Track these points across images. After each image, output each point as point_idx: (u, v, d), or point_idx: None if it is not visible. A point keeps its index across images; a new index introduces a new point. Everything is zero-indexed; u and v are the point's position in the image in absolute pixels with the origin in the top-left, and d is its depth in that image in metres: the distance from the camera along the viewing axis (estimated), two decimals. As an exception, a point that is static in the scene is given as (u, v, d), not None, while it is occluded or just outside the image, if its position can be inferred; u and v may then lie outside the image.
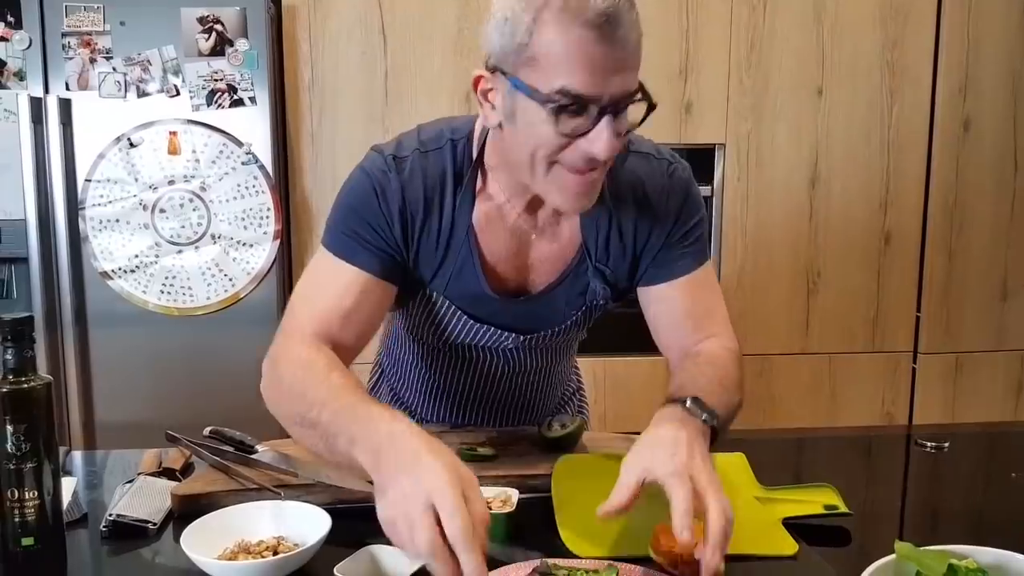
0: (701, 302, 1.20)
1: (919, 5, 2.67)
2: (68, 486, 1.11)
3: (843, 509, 1.09)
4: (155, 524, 1.02)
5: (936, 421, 2.80)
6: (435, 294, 1.15)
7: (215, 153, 2.37)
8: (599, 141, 0.93)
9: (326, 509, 0.99)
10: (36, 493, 0.87)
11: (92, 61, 2.31)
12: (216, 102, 2.36)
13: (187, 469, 1.20)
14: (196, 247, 2.38)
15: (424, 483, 0.80)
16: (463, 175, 1.09)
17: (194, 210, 2.37)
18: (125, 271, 2.37)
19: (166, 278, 2.38)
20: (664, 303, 1.19)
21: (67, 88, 2.30)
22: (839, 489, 1.13)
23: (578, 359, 1.56)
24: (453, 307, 1.15)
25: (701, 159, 2.68)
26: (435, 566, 0.77)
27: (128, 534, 1.01)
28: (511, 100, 0.96)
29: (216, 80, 2.36)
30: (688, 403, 1.00)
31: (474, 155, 1.10)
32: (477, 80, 1.00)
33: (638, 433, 1.35)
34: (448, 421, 1.40)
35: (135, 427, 2.38)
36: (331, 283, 1.08)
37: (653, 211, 1.14)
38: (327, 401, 0.94)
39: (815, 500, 1.11)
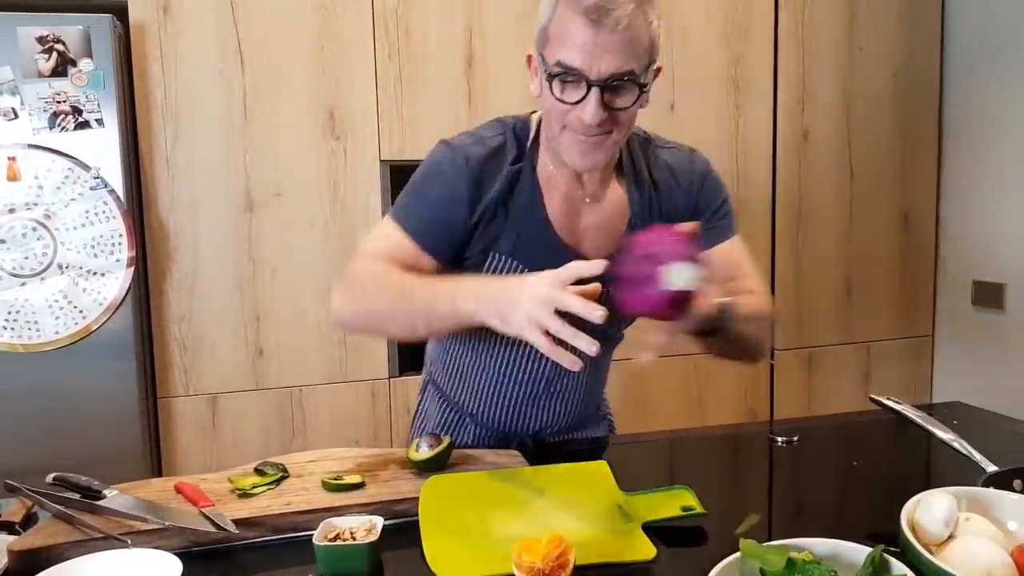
0: (737, 265, 1.36)
1: (758, 24, 2.84)
2: None
3: (699, 510, 1.14)
4: (-10, 585, 0.96)
5: (794, 413, 2.98)
6: (504, 256, 1.28)
7: (60, 179, 2.24)
8: (587, 109, 1.12)
9: (179, 553, 0.95)
10: None
11: (-86, 83, 2.14)
12: (60, 125, 2.24)
13: (28, 521, 1.13)
14: (42, 278, 2.24)
15: (545, 278, 1.05)
16: (523, 150, 1.28)
17: (38, 239, 2.23)
18: (-38, 307, 2.20)
19: (8, 313, 2.23)
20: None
21: None
22: (699, 489, 1.18)
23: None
24: (518, 265, 1.28)
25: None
26: (584, 310, 1.00)
27: (-40, 598, 0.95)
28: (539, 73, 1.18)
29: (59, 102, 2.23)
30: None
31: (531, 134, 1.29)
32: (529, 58, 1.22)
33: (509, 448, 1.38)
34: (501, 422, 1.42)
35: (-21, 475, 2.22)
36: (391, 241, 1.27)
37: (684, 192, 1.34)
38: (417, 286, 1.18)
39: (673, 503, 1.15)
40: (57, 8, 2.30)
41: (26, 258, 2.23)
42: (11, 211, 2.21)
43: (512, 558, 0.96)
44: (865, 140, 2.97)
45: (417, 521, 1.09)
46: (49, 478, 1.13)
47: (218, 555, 1.05)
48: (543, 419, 1.45)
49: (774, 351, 2.97)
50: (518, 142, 1.28)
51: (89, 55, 2.24)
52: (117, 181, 2.28)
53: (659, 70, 1.21)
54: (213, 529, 1.03)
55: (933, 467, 1.45)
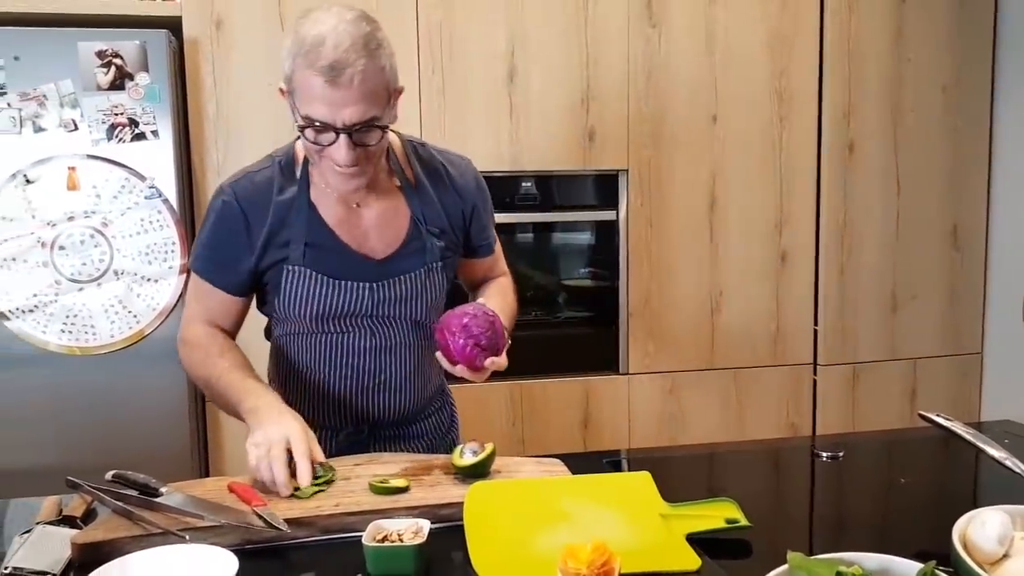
0: (496, 261, 1.65)
1: (803, 35, 2.82)
2: (-40, 541, 1.07)
3: (744, 522, 1.14)
4: (54, 575, 0.99)
5: (837, 430, 2.93)
6: (296, 268, 1.40)
7: (117, 188, 2.31)
8: (338, 152, 1.27)
9: (233, 551, 0.98)
10: (-76, 552, 0.84)
11: (-16, 96, 2.23)
12: (117, 136, 2.31)
13: (89, 516, 1.17)
14: (98, 284, 2.32)
15: (284, 428, 1.22)
16: (290, 178, 1.41)
17: (95, 246, 2.31)
18: (23, 311, 2.28)
19: (67, 317, 2.30)
20: (481, 266, 1.63)
21: (-44, 124, 2.22)
22: (742, 502, 1.18)
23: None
24: (312, 272, 1.40)
25: (606, 184, 2.76)
26: (276, 468, 1.18)
27: (26, 587, 0.98)
28: (293, 112, 1.29)
29: (116, 114, 2.31)
30: None
31: (299, 158, 1.42)
32: (281, 90, 1.31)
33: (554, 456, 1.39)
34: (351, 418, 1.51)
35: (37, 474, 2.29)
36: (200, 294, 1.45)
37: (461, 192, 1.50)
38: (222, 374, 1.36)
39: (717, 515, 1.16)
40: (115, 24, 2.38)
41: (84, 264, 2.31)
42: (71, 219, 2.29)
43: (557, 564, 0.97)
44: (913, 153, 2.93)
45: (462, 526, 1.10)
46: (108, 475, 1.17)
47: (269, 553, 1.08)
48: (375, 412, 1.51)
49: (816, 366, 2.94)
50: (283, 173, 1.41)
51: (145, 69, 2.31)
52: (171, 191, 2.35)
53: (400, 91, 1.33)
54: (266, 527, 1.06)
55: (983, 485, 1.43)
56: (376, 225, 1.44)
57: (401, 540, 1.03)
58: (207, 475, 2.49)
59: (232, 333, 1.48)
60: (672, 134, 2.75)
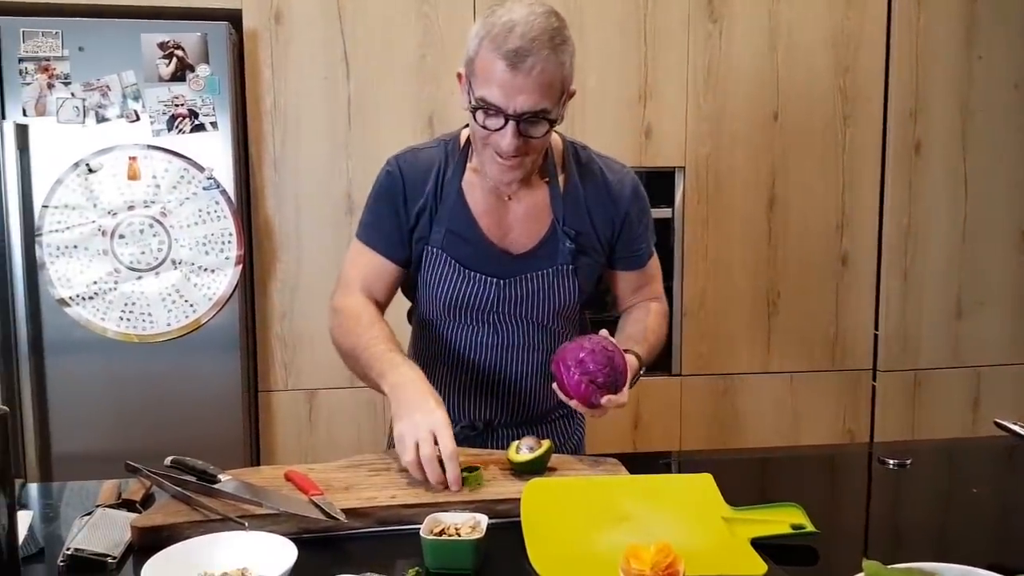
0: (650, 280, 1.62)
1: (869, 31, 2.75)
2: (24, 520, 1.08)
3: (810, 528, 1.10)
4: (114, 558, 1.00)
5: (896, 437, 2.85)
6: (435, 250, 1.44)
7: (176, 178, 2.34)
8: (504, 139, 1.29)
9: (291, 539, 0.97)
10: (-10, 529, 0.85)
11: (50, 87, 2.28)
12: (177, 127, 2.34)
13: (147, 500, 1.18)
14: (156, 273, 2.35)
15: (431, 419, 1.20)
16: (452, 161, 1.45)
17: (154, 236, 2.34)
18: (83, 298, 2.32)
19: (125, 304, 2.34)
20: (629, 280, 1.59)
21: (24, 114, 2.27)
22: (805, 508, 1.14)
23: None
24: (447, 257, 1.43)
25: (662, 182, 2.71)
26: (429, 470, 1.17)
27: (86, 568, 0.99)
28: (467, 94, 1.32)
29: (177, 105, 2.34)
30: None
31: (462, 144, 1.46)
32: (459, 75, 1.35)
33: (605, 455, 1.37)
34: (468, 413, 1.52)
35: (94, 458, 2.33)
36: (360, 261, 1.48)
37: (615, 197, 1.49)
38: (368, 344, 1.36)
39: (782, 520, 1.12)
40: (177, 16, 2.41)
41: (143, 253, 2.34)
42: (131, 208, 2.33)
43: (619, 563, 0.94)
44: (981, 154, 2.83)
45: (518, 522, 1.09)
46: (167, 461, 1.17)
47: (326, 542, 1.07)
48: (492, 411, 1.51)
49: (876, 372, 2.86)
50: (448, 155, 1.45)
51: (206, 61, 2.34)
52: (228, 182, 2.37)
53: (572, 93, 1.34)
54: (323, 517, 1.05)
55: (1057, 498, 1.37)
56: (522, 219, 1.45)
57: (458, 534, 1.01)
58: (259, 463, 2.52)
59: (382, 305, 1.49)
60: (731, 131, 2.70)
